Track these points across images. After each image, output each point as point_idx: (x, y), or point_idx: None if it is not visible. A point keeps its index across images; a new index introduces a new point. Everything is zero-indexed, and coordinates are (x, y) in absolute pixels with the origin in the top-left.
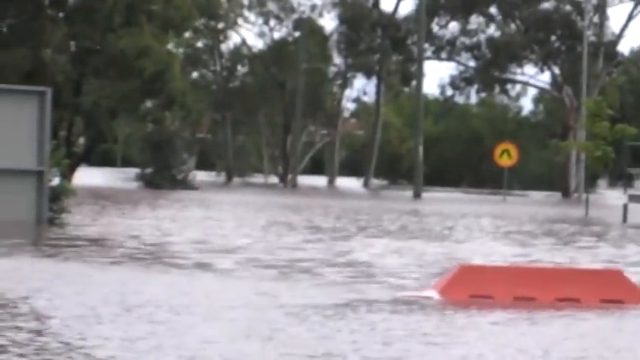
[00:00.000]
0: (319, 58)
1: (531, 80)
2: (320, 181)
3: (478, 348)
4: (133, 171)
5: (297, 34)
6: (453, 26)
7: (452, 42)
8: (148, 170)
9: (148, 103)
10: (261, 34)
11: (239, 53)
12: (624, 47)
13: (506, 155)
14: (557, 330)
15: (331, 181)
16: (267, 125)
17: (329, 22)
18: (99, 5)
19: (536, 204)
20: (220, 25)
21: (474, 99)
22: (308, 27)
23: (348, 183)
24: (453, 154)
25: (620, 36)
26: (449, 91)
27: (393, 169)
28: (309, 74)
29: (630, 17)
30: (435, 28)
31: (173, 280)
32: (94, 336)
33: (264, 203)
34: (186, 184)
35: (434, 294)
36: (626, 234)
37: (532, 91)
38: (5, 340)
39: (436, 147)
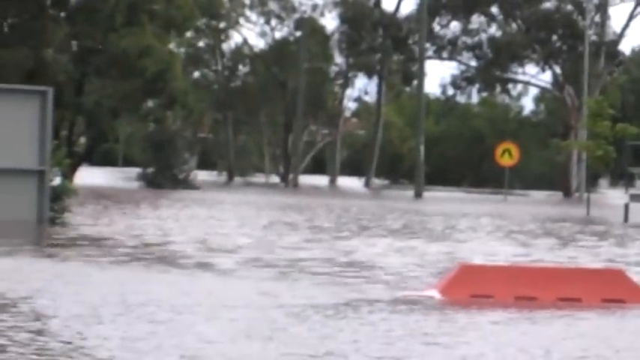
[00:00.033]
0: (320, 58)
1: (532, 80)
2: (321, 180)
3: (479, 347)
4: (135, 171)
5: (298, 33)
6: (455, 26)
7: (453, 41)
8: (150, 170)
9: (150, 103)
10: (263, 34)
11: (240, 53)
12: (625, 47)
13: (507, 155)
14: (558, 329)
15: (332, 181)
16: (268, 125)
17: (330, 22)
18: (101, 5)
19: (538, 203)
20: (222, 25)
21: (475, 98)
22: (309, 26)
23: (350, 182)
24: (454, 154)
25: (621, 35)
26: (450, 91)
27: (395, 169)
28: (311, 74)
29: (631, 17)
30: (437, 27)
31: (174, 279)
32: (94, 336)
33: (266, 203)
34: (187, 184)
35: (435, 294)
36: (627, 233)
37: (533, 91)
38: (6, 340)
39: (437, 146)
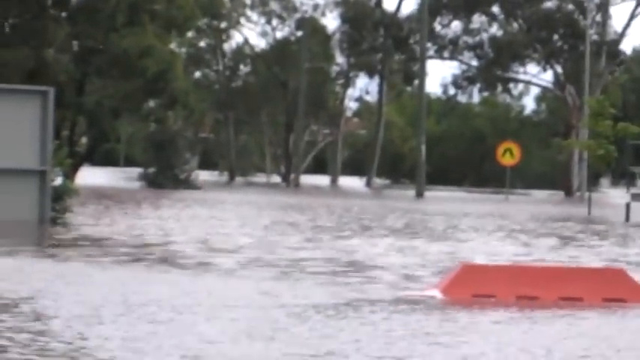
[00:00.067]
0: (322, 58)
1: (534, 79)
2: (322, 180)
3: (480, 347)
4: (136, 170)
5: (299, 33)
6: (456, 25)
7: (454, 41)
8: (151, 170)
9: (151, 103)
10: (264, 34)
11: (241, 53)
12: (626, 46)
13: (508, 154)
14: (559, 329)
15: (334, 181)
16: (269, 125)
17: (331, 22)
18: (102, 5)
19: (539, 203)
20: (223, 25)
21: (476, 98)
22: (310, 26)
23: (351, 182)
24: (456, 153)
25: (622, 35)
26: (451, 90)
27: (396, 169)
28: (312, 73)
29: (632, 16)
30: (438, 27)
31: (175, 279)
32: (95, 336)
33: (267, 203)
34: (188, 184)
35: (436, 293)
36: (628, 233)
37: (534, 90)
38: (6, 341)
39: (438, 146)
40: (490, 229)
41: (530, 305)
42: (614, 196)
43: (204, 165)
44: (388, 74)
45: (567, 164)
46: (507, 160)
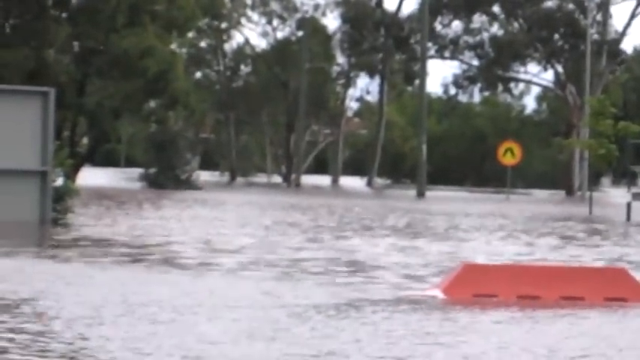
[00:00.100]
0: (322, 58)
1: (534, 79)
2: (323, 180)
3: (482, 347)
4: (137, 171)
5: (300, 33)
6: (456, 25)
7: (455, 41)
8: (152, 170)
9: (152, 103)
10: (265, 34)
11: (242, 53)
12: (627, 45)
13: (509, 154)
14: (560, 328)
15: (335, 181)
16: (270, 125)
17: (332, 22)
18: (102, 5)
19: (540, 202)
20: (223, 25)
21: (477, 98)
22: (311, 26)
23: (352, 182)
24: (457, 153)
25: (623, 34)
26: (452, 90)
27: (397, 168)
28: (313, 74)
29: (633, 15)
30: (438, 27)
31: (176, 280)
32: (96, 337)
33: (268, 203)
34: (189, 184)
35: (438, 293)
36: (629, 232)
37: (535, 90)
38: (7, 342)
39: (439, 146)
40: (491, 228)
41: (532, 305)
42: (615, 196)
43: (205, 165)
44: (389, 74)
45: (568, 164)
46: (508, 160)
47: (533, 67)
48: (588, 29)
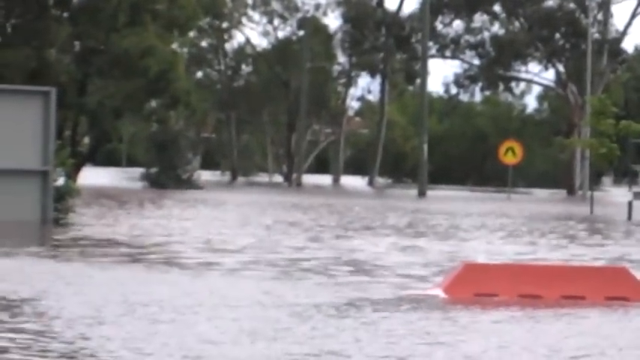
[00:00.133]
0: (323, 57)
1: (535, 78)
2: (324, 179)
3: (482, 346)
4: (138, 171)
5: (301, 33)
6: (457, 24)
7: (456, 40)
8: (153, 170)
9: (153, 103)
10: (266, 34)
11: (243, 52)
12: (628, 44)
13: (510, 153)
14: (561, 328)
15: (336, 180)
16: (271, 124)
17: (333, 21)
18: (103, 5)
19: (541, 202)
20: (224, 25)
21: (478, 97)
22: (312, 26)
23: (353, 181)
24: (458, 153)
25: (624, 33)
26: (453, 90)
27: (398, 168)
28: (314, 73)
29: (634, 14)
30: (439, 26)
31: (177, 279)
32: (97, 336)
33: (269, 202)
34: (190, 184)
35: (439, 292)
36: (631, 231)
37: (536, 89)
38: (8, 342)
39: (440, 145)
40: (492, 228)
41: (533, 304)
42: (616, 195)
43: (207, 165)
44: (390, 73)
45: (569, 163)
46: (509, 159)
47: (534, 67)
48: (589, 28)
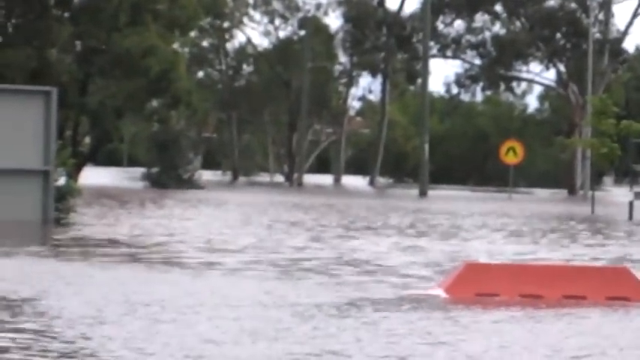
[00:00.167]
0: (324, 57)
1: (537, 78)
2: (326, 179)
3: (483, 346)
4: (139, 170)
5: (302, 32)
6: (458, 24)
7: (457, 40)
8: (154, 170)
9: (154, 103)
10: (267, 33)
11: (244, 52)
12: (629, 44)
13: (511, 153)
14: (562, 327)
15: (337, 180)
16: (272, 124)
17: (334, 21)
18: (104, 5)
19: (542, 201)
20: (226, 24)
21: (479, 97)
22: (313, 26)
23: (354, 181)
24: (459, 152)
25: (625, 33)
26: (454, 89)
27: (399, 168)
28: (315, 73)
29: (635, 14)
30: (440, 26)
31: (178, 279)
32: (98, 336)
33: (270, 202)
34: (192, 184)
35: (440, 292)
36: (632, 231)
37: (537, 89)
38: (9, 342)
39: (442, 145)
40: (493, 227)
41: (534, 304)
42: (617, 195)
43: (208, 165)
44: (391, 73)
45: (570, 163)
46: (510, 159)
47: (535, 66)
48: (590, 28)
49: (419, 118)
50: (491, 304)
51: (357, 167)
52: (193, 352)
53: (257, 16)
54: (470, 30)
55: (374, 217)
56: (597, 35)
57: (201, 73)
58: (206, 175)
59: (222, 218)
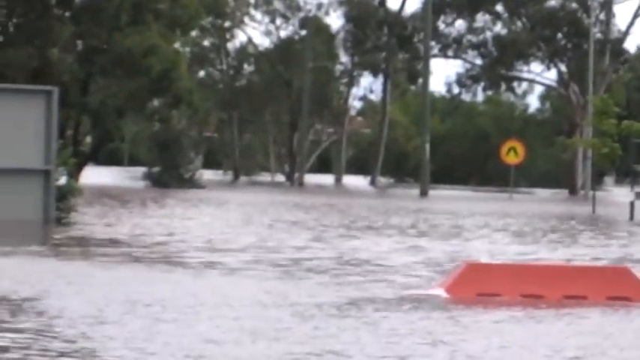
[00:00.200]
0: (326, 57)
1: (538, 78)
2: (327, 179)
3: (484, 346)
4: (140, 170)
5: (303, 32)
6: (460, 24)
7: (458, 40)
8: (155, 169)
9: (155, 102)
10: (268, 33)
11: (245, 52)
12: (630, 44)
13: (512, 153)
14: (563, 327)
15: (338, 180)
16: (273, 124)
17: (335, 21)
18: (105, 4)
19: (543, 201)
20: (227, 24)
21: (480, 97)
22: (314, 25)
23: (355, 181)
24: (460, 152)
25: (626, 33)
26: (455, 89)
27: (400, 167)
28: (316, 73)
29: (636, 14)
30: (442, 25)
31: (179, 279)
32: (99, 336)
33: (271, 202)
34: (193, 183)
35: (441, 292)
36: (632, 231)
37: (538, 89)
38: (9, 342)
39: (443, 145)
40: (494, 227)
41: (535, 304)
42: (618, 195)
43: (209, 164)
44: (392, 73)
45: (571, 163)
46: (511, 159)
47: (536, 66)
48: (591, 28)
49: (420, 117)
50: (492, 304)
51: (358, 167)
52: (194, 351)
53: (258, 15)
54: (471, 30)
55: (375, 217)
56: (598, 35)
57: (202, 73)
58: (207, 175)
59: (223, 218)
